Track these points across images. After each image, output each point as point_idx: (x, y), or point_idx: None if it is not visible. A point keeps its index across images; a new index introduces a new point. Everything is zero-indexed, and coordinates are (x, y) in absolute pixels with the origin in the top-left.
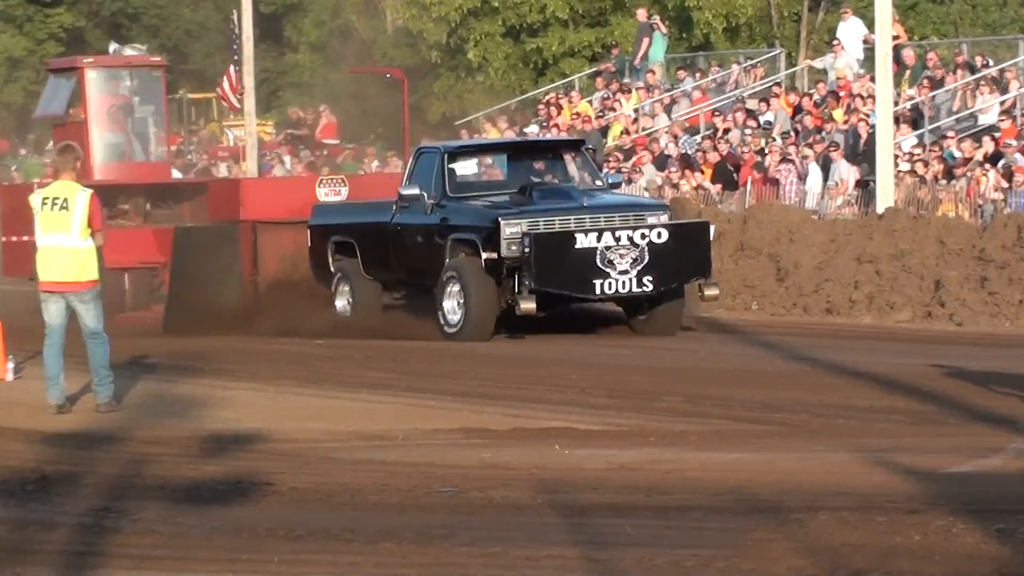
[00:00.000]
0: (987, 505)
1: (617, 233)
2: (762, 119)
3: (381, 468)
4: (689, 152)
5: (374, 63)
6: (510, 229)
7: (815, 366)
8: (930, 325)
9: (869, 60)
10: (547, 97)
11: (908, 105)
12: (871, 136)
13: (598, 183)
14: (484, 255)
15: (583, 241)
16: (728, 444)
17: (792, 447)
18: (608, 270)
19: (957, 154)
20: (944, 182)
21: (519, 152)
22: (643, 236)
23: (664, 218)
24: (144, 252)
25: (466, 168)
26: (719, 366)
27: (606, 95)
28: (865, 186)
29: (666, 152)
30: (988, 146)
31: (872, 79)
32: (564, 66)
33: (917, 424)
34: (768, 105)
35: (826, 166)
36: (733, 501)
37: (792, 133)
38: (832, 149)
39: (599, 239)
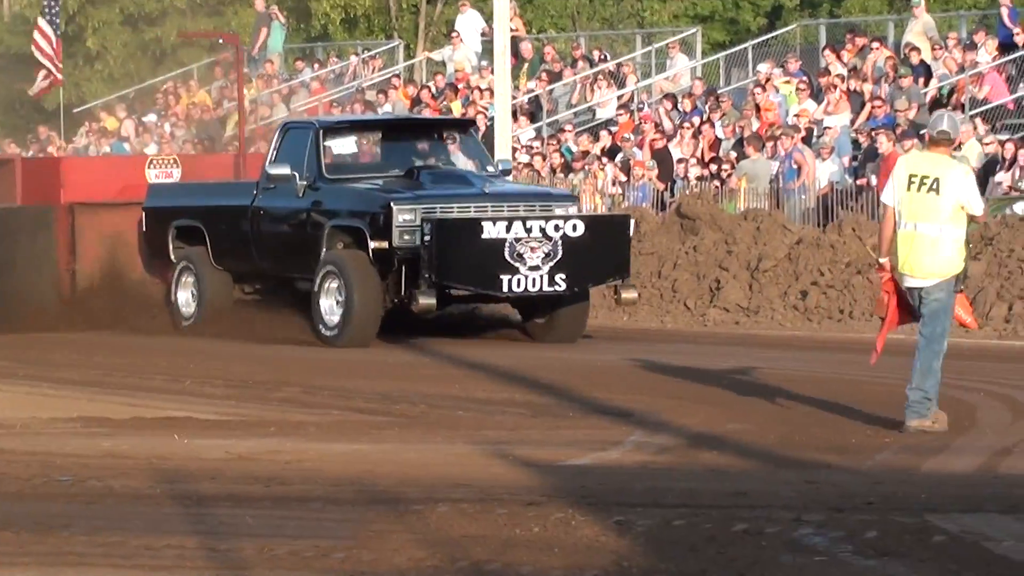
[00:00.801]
0: (606, 498)
1: (528, 224)
2: (380, 110)
3: None
4: None
5: None
6: (404, 215)
7: (433, 358)
8: None
9: (488, 52)
10: (165, 86)
11: (526, 98)
12: (489, 129)
13: (489, 169)
14: (372, 244)
15: (490, 231)
16: (347, 435)
17: (411, 438)
18: (517, 265)
19: (574, 148)
20: (562, 176)
21: (401, 131)
22: (557, 228)
23: (573, 210)
24: None
25: (344, 146)
26: (338, 357)
27: (224, 85)
28: None
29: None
30: (606, 140)
31: (491, 71)
32: (183, 55)
33: (536, 416)
34: (386, 96)
35: None
36: (353, 492)
37: None
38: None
39: (508, 229)
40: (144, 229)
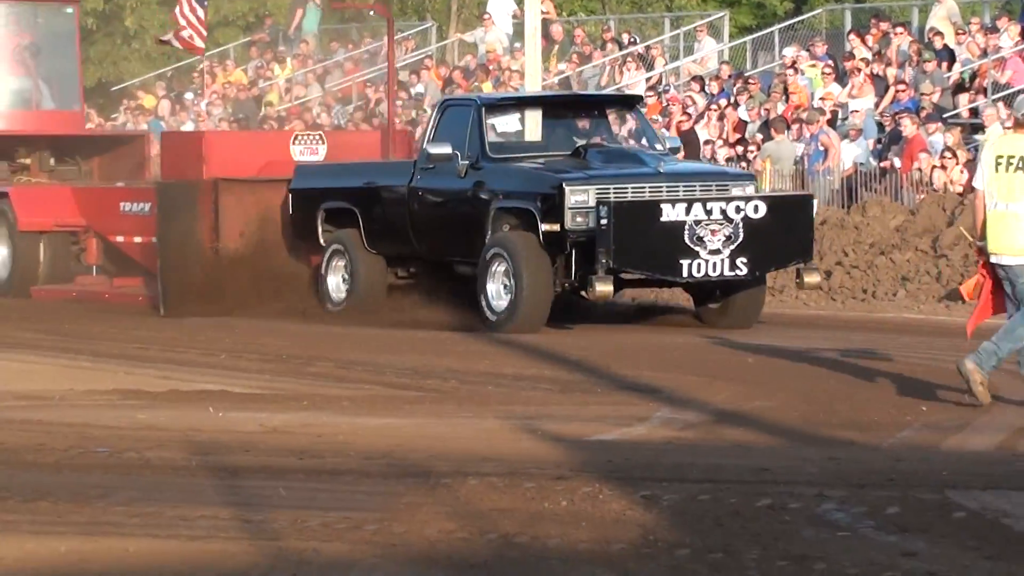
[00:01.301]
0: (633, 472)
1: (708, 205)
2: (413, 91)
3: (37, 428)
4: (341, 122)
5: None
6: (576, 197)
7: (463, 334)
8: None
9: (519, 34)
10: (202, 65)
11: (557, 80)
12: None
13: (658, 147)
14: (543, 227)
15: (669, 213)
16: (379, 409)
17: (442, 413)
18: (697, 249)
19: None
20: None
21: (564, 107)
22: (738, 210)
23: (751, 189)
24: (62, 213)
25: (508, 124)
26: (369, 332)
27: (260, 64)
28: None
29: (318, 121)
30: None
31: (522, 53)
32: (219, 35)
33: (564, 392)
34: (419, 77)
35: None
36: (384, 465)
37: None
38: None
39: (688, 211)
40: (291, 211)
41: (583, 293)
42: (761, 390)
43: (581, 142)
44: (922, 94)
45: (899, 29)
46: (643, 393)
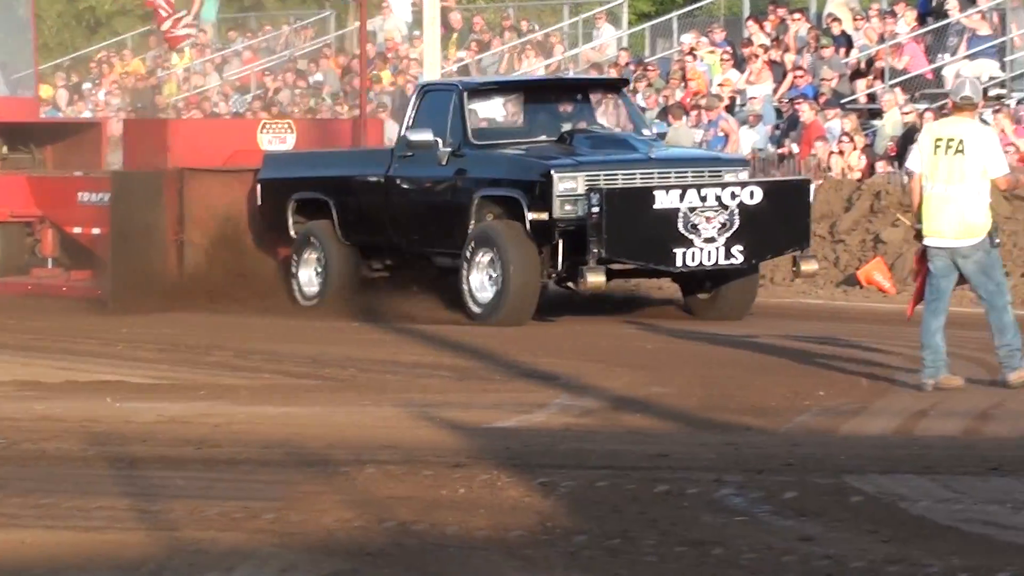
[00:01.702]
0: (531, 459)
1: (703, 192)
2: (312, 79)
3: None
4: (240, 111)
5: None
6: (565, 184)
7: (362, 323)
8: None
9: (418, 22)
10: (99, 55)
11: (456, 68)
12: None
13: (645, 132)
14: (530, 216)
15: (663, 200)
16: (277, 398)
17: (340, 401)
18: (692, 237)
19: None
20: None
21: (548, 92)
22: (733, 196)
23: (745, 175)
24: (17, 203)
25: (491, 110)
26: (269, 322)
27: (158, 54)
28: None
29: (215, 111)
30: None
31: (421, 41)
32: (116, 24)
33: (463, 380)
34: (317, 66)
35: None
36: (282, 454)
37: (342, 94)
38: (381, 110)
39: (682, 198)
40: (260, 202)
41: (570, 284)
42: (659, 376)
43: (565, 127)
44: (822, 79)
45: (797, 15)
46: (542, 380)
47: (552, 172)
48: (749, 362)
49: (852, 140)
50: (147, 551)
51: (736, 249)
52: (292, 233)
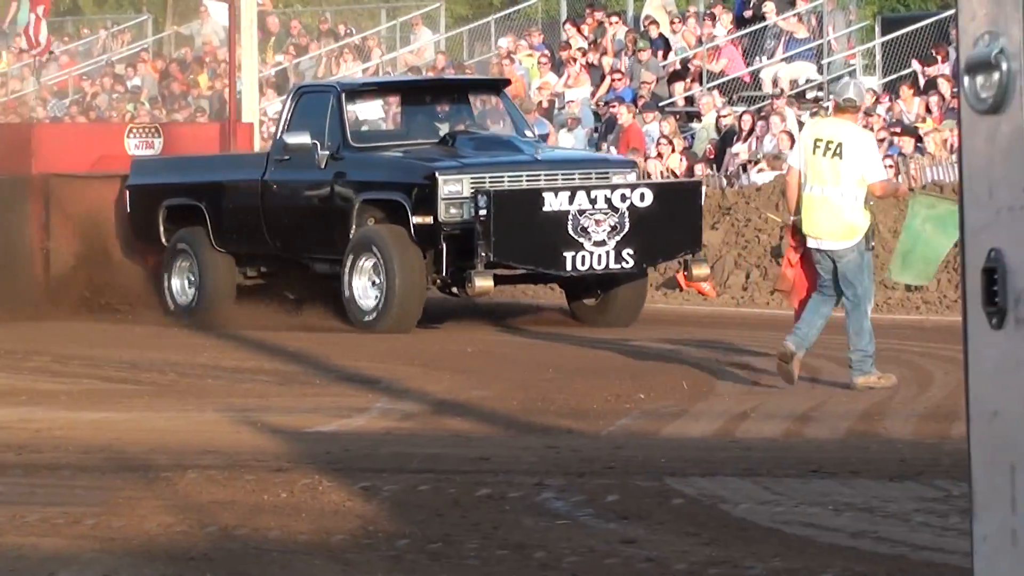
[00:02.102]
0: (352, 464)
1: (592, 194)
2: (130, 84)
3: None
4: (59, 115)
5: None
6: (450, 187)
7: (182, 327)
8: None
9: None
10: None
11: (274, 72)
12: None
13: (528, 133)
14: (414, 220)
15: (552, 202)
16: (97, 403)
17: (161, 407)
18: (582, 240)
19: None
20: None
21: (428, 93)
22: (623, 198)
23: (632, 177)
24: None
25: (370, 111)
26: (87, 327)
27: None
28: None
29: (33, 115)
30: None
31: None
32: None
33: (283, 384)
34: (136, 70)
35: None
36: (102, 459)
37: (160, 98)
38: (200, 114)
39: (571, 200)
40: (129, 209)
41: (454, 290)
42: (479, 379)
43: (445, 129)
44: (641, 83)
45: (614, 18)
46: (362, 384)
47: (436, 175)
48: (570, 366)
49: (671, 143)
50: None
51: (627, 253)
52: (164, 241)
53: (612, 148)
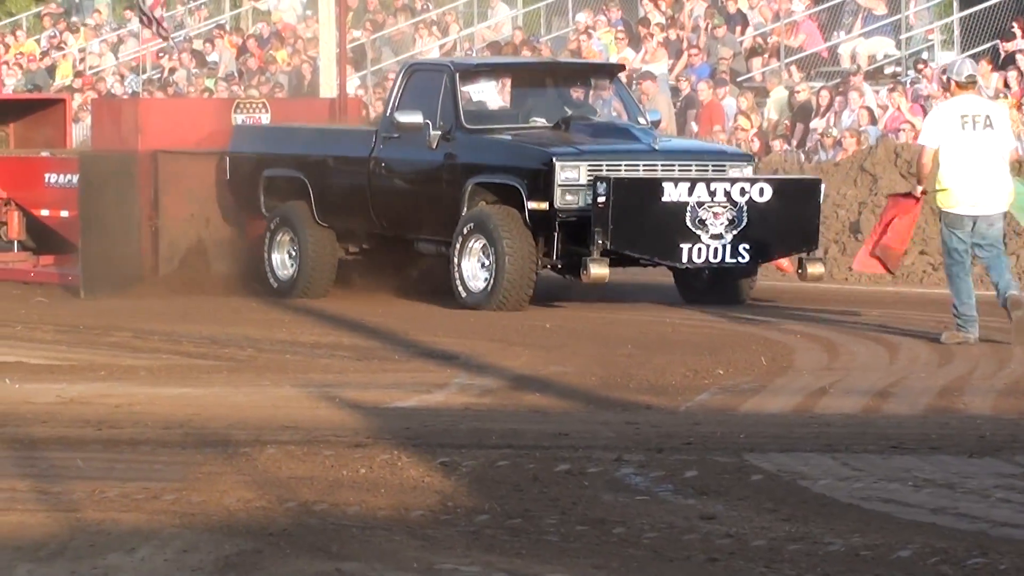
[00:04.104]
0: (431, 439)
1: (712, 186)
2: (208, 59)
3: None
4: (137, 91)
5: None
6: (567, 173)
7: (260, 303)
8: None
9: (313, 1)
10: None
11: (351, 47)
12: (315, 77)
13: (641, 121)
14: (529, 205)
15: (671, 192)
16: (177, 379)
17: (239, 382)
18: (699, 232)
19: None
20: None
21: (544, 75)
22: (743, 192)
23: (748, 171)
24: None
25: (483, 92)
26: (167, 303)
27: (53, 34)
28: None
29: (112, 91)
30: None
31: (316, 20)
32: (11, 4)
33: (362, 359)
34: (213, 46)
35: None
36: (182, 435)
37: (236, 74)
38: (278, 89)
39: (691, 191)
40: (228, 176)
41: (565, 275)
42: (558, 355)
43: (558, 113)
44: (720, 58)
45: None
46: (441, 359)
47: (554, 160)
48: (648, 341)
49: (749, 118)
50: (48, 532)
51: (743, 248)
52: (263, 211)
53: (694, 123)
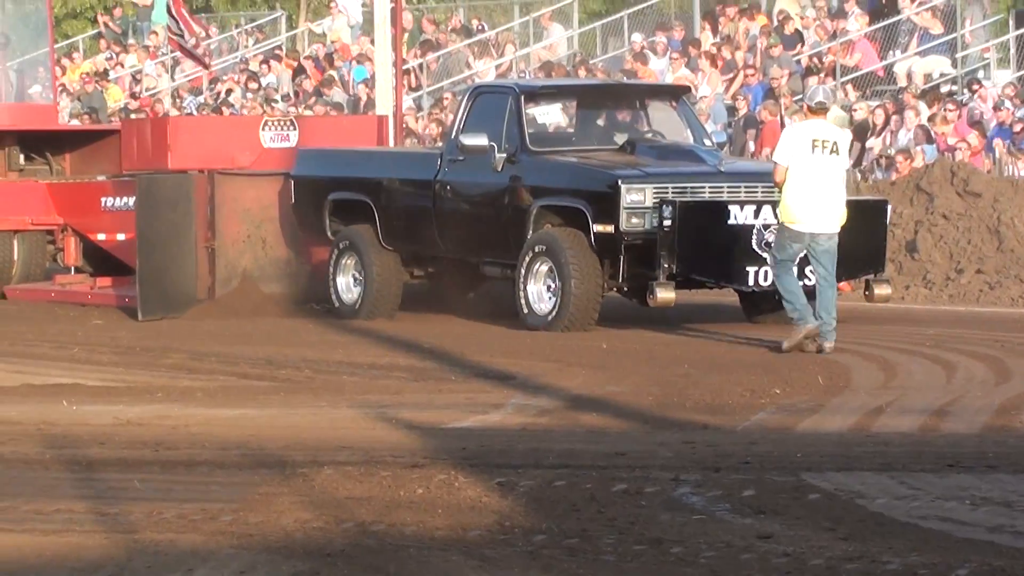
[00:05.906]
0: (488, 459)
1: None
2: (264, 81)
3: None
4: (194, 112)
5: None
6: (632, 196)
7: (316, 324)
8: None
9: (368, 23)
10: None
11: (406, 67)
12: (371, 98)
13: (706, 142)
14: (595, 228)
15: (737, 215)
16: (233, 400)
17: (296, 403)
18: (765, 255)
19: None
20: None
21: (608, 97)
22: None
23: None
24: (37, 211)
25: (549, 115)
26: (222, 325)
27: (109, 56)
28: None
29: (168, 113)
30: None
31: (371, 42)
32: (67, 27)
33: (418, 380)
34: (269, 67)
35: None
36: (239, 456)
37: (292, 95)
38: (333, 111)
39: (756, 214)
40: (293, 200)
41: (631, 298)
42: (614, 375)
43: (622, 135)
44: (773, 78)
45: (749, 14)
46: (497, 380)
47: (619, 183)
48: (704, 361)
49: None
50: (106, 553)
51: (808, 270)
52: (329, 234)
53: (751, 142)
